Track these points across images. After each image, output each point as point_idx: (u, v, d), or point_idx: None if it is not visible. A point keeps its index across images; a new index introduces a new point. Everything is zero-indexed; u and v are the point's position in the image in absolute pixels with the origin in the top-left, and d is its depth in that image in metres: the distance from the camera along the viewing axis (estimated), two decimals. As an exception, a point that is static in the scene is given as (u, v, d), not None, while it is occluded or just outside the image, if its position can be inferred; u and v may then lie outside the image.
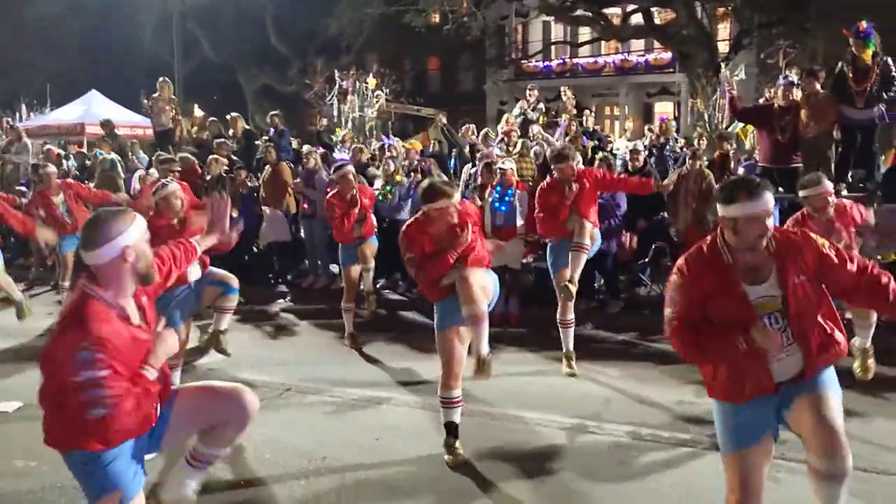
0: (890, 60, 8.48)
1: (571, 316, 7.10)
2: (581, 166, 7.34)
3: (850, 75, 8.43)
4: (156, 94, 14.37)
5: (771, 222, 3.33)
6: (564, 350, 7.16)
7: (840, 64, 8.69)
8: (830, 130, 8.83)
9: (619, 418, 5.99)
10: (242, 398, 3.61)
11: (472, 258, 5.13)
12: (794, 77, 9.56)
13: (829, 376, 3.46)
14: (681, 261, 3.47)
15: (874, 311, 3.56)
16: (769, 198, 3.31)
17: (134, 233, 3.20)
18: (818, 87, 8.85)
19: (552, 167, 7.05)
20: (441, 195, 4.95)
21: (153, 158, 11.36)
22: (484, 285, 5.06)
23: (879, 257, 7.96)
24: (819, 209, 5.69)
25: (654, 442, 5.54)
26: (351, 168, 8.35)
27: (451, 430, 5.19)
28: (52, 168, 9.92)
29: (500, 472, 5.05)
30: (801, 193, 5.81)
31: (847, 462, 3.22)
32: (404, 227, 5.24)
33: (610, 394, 6.65)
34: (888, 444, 5.34)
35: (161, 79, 14.47)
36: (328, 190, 8.99)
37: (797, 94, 8.99)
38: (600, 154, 10.22)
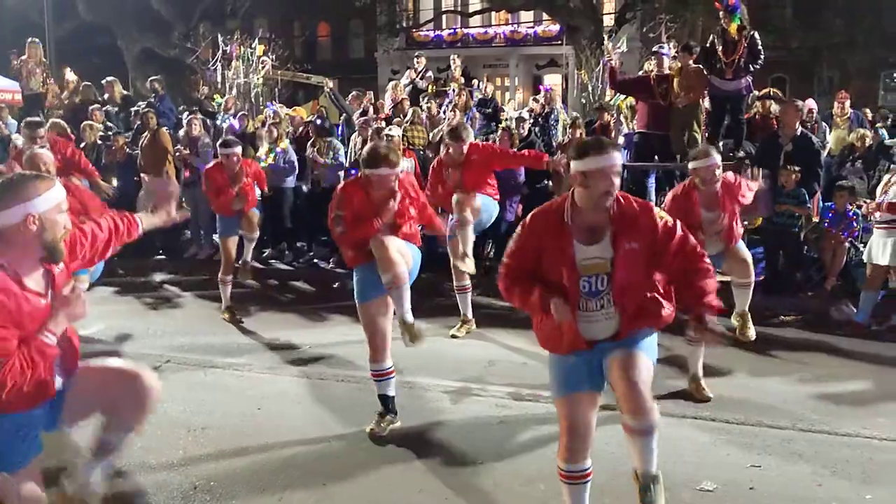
0: (756, 34, 8.89)
1: (466, 282, 7.43)
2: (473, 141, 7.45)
3: (720, 47, 8.80)
4: (24, 56, 13.57)
5: (618, 181, 3.45)
6: (462, 315, 7.49)
7: (711, 36, 9.06)
8: (699, 101, 9.22)
9: (501, 380, 6.15)
10: (143, 380, 3.42)
11: (403, 233, 5.04)
12: (670, 50, 9.86)
13: (646, 339, 3.58)
14: (530, 214, 3.60)
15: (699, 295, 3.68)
16: (618, 156, 3.47)
17: (44, 202, 3.04)
18: (691, 61, 9.22)
19: (446, 142, 7.21)
20: (384, 162, 4.82)
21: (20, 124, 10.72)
22: (401, 250, 4.95)
23: (746, 223, 8.37)
24: (707, 181, 5.69)
25: (534, 401, 5.70)
26: (238, 150, 7.93)
27: (385, 402, 5.16)
28: None
29: (385, 437, 5.09)
30: (690, 165, 5.84)
31: (651, 417, 3.38)
32: (341, 185, 5.17)
33: (493, 357, 6.81)
34: (777, 400, 5.69)
35: (29, 39, 13.66)
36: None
37: (672, 65, 9.32)
38: (503, 123, 10.23)
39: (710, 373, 5.88)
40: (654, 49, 9.62)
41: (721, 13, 8.79)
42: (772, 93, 8.85)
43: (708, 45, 9.00)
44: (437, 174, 7.22)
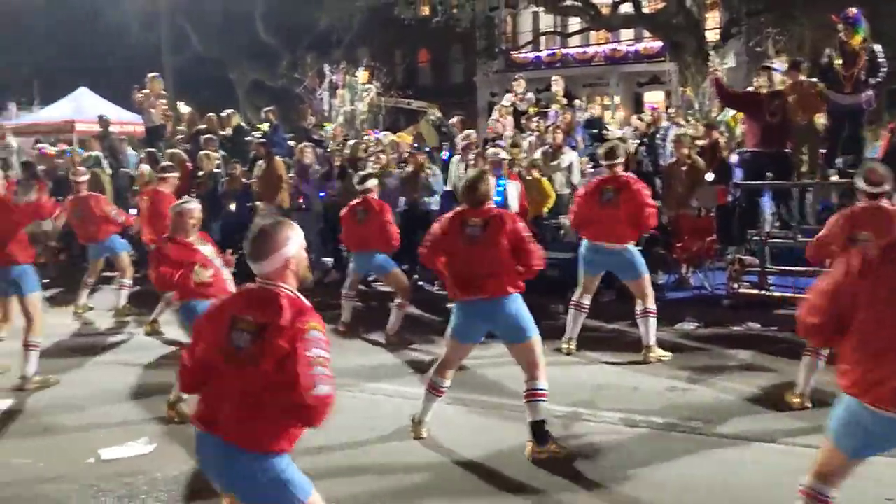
0: (877, 47, 8.53)
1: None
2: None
3: (839, 61, 8.48)
4: (146, 90, 14.30)
5: None
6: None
7: (828, 50, 8.75)
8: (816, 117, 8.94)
9: (612, 405, 6.04)
10: None
11: None
12: (777, 64, 9.58)
13: None
14: None
15: None
16: None
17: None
18: (802, 77, 8.95)
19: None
20: None
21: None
22: None
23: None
24: None
25: (648, 428, 5.59)
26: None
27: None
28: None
29: (497, 461, 5.09)
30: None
31: None
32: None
33: (602, 381, 6.71)
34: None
35: (151, 74, 14.39)
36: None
37: (776, 78, 9.07)
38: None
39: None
40: (765, 63, 9.34)
41: (841, 26, 8.47)
42: None
43: (825, 59, 8.69)
44: None
